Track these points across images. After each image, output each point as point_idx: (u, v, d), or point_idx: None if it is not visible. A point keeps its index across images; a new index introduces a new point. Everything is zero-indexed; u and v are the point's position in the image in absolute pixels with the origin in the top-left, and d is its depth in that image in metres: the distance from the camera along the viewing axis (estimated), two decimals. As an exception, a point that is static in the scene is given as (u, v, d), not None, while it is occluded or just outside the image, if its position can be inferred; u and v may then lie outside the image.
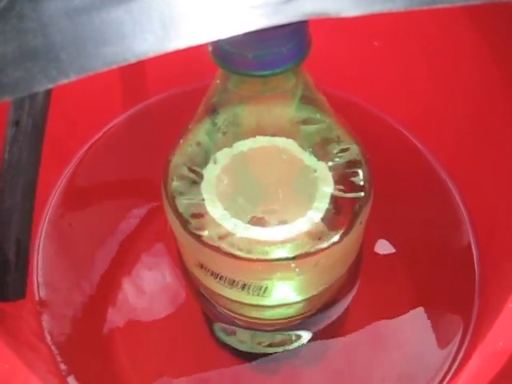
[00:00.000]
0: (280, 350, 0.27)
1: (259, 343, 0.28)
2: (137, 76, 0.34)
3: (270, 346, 0.28)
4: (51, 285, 0.28)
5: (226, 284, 0.23)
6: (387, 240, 0.30)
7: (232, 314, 0.27)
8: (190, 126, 0.21)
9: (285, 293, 0.24)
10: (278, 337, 0.28)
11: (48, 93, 0.21)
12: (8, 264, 0.21)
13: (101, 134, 0.33)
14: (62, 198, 0.31)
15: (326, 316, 0.27)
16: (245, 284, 0.23)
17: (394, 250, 0.30)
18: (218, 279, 0.23)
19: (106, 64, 0.15)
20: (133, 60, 0.15)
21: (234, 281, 0.23)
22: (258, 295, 0.23)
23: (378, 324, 0.28)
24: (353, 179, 0.22)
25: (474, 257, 0.30)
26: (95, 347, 0.27)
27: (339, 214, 0.22)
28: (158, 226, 0.30)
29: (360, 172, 0.22)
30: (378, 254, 0.30)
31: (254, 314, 0.25)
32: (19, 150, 0.21)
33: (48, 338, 0.26)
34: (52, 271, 0.29)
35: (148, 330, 0.28)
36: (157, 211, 0.30)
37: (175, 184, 0.23)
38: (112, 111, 0.34)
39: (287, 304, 0.25)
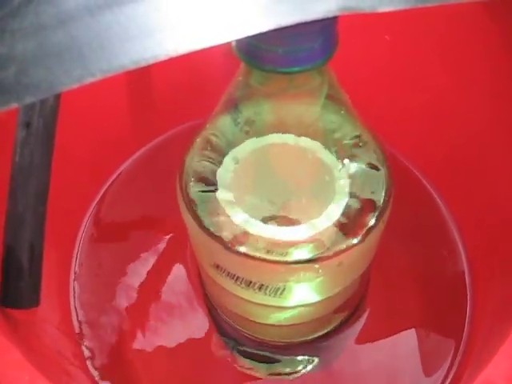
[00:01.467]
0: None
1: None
2: (152, 110, 0.35)
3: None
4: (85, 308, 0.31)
5: (243, 285, 0.23)
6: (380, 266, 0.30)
7: (245, 330, 0.27)
8: (207, 125, 0.21)
9: (303, 293, 0.23)
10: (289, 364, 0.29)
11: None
12: (21, 270, 0.20)
13: (121, 169, 0.35)
14: (90, 231, 0.33)
15: (335, 341, 0.28)
16: (262, 285, 0.22)
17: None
18: (233, 280, 0.23)
19: (134, 61, 0.14)
20: (163, 57, 0.14)
21: (251, 282, 0.22)
22: (274, 296, 0.23)
23: (373, 349, 0.29)
24: (374, 178, 0.22)
25: (467, 284, 0.31)
26: (120, 369, 0.29)
27: (361, 213, 0.21)
28: (178, 252, 0.32)
29: (381, 172, 0.22)
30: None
31: (269, 317, 0.25)
32: (30, 152, 0.20)
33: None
34: (86, 296, 0.31)
35: (171, 356, 0.30)
36: (179, 240, 0.32)
37: (191, 183, 0.22)
38: (130, 146, 0.35)
39: (304, 305, 0.24)
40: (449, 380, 0.28)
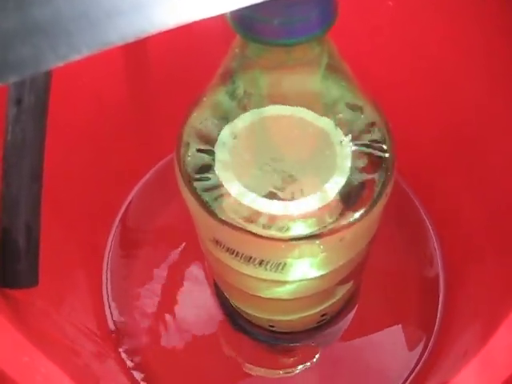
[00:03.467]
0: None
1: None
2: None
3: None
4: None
5: (242, 260, 0.22)
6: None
7: (249, 309, 0.27)
8: (204, 98, 0.20)
9: (305, 268, 0.23)
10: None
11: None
12: (18, 251, 0.20)
13: (143, 181, 0.38)
14: (118, 239, 0.36)
15: (335, 329, 0.33)
16: (262, 260, 0.22)
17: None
18: (233, 255, 0.22)
19: (122, 37, 0.13)
20: (152, 31, 0.13)
21: (251, 257, 0.22)
22: (275, 271, 0.22)
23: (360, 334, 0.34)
24: (376, 151, 0.21)
25: (441, 285, 0.34)
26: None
27: (363, 186, 0.21)
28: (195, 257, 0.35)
29: (383, 144, 0.21)
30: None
31: (271, 291, 0.25)
32: (22, 130, 0.19)
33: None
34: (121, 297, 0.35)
35: (186, 366, 0.33)
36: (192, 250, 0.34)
37: (188, 159, 0.21)
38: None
39: (306, 280, 0.24)
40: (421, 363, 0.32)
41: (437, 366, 0.29)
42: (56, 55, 0.14)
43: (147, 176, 0.37)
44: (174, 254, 0.35)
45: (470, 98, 0.29)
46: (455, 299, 0.33)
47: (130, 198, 0.37)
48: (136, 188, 0.37)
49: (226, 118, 0.20)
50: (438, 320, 0.33)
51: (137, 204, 0.37)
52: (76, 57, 0.14)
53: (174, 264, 0.35)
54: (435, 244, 0.35)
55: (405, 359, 0.33)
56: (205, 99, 0.20)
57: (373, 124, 0.21)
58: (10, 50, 0.14)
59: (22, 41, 0.14)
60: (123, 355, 0.32)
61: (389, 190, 0.21)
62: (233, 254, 0.22)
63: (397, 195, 0.23)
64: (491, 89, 0.28)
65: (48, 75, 0.20)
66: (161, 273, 0.35)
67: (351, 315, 0.33)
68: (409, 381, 0.32)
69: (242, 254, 0.22)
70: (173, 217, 0.37)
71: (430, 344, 0.33)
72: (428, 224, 0.36)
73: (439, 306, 0.34)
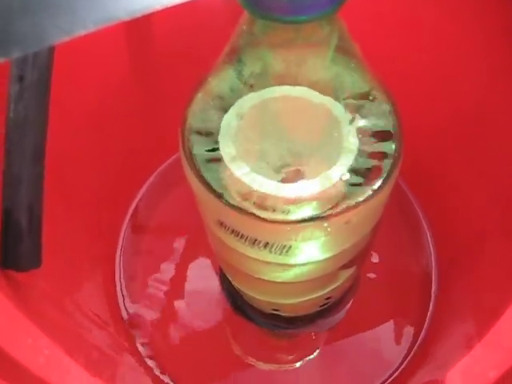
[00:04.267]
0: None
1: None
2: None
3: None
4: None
5: (247, 243, 0.22)
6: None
7: (253, 292, 0.27)
8: (209, 78, 0.20)
9: (310, 251, 0.23)
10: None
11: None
12: (21, 232, 0.19)
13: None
14: (130, 230, 0.37)
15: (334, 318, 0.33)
16: (267, 243, 0.22)
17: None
18: (238, 237, 0.22)
19: (128, 12, 0.13)
20: (158, 6, 0.13)
21: (256, 240, 0.22)
22: (280, 254, 0.22)
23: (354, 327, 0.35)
24: (384, 134, 0.21)
25: (433, 283, 0.35)
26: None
27: (369, 170, 0.20)
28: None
29: (391, 127, 0.21)
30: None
31: (275, 275, 0.25)
32: (25, 108, 0.19)
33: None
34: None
35: (191, 354, 0.34)
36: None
37: (193, 139, 0.21)
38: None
39: (311, 263, 0.24)
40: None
41: (431, 356, 0.30)
42: (59, 31, 0.13)
43: (162, 162, 0.38)
44: (182, 243, 0.36)
45: (470, 90, 0.29)
46: (448, 291, 0.33)
47: (141, 183, 0.37)
48: (150, 175, 0.37)
49: (232, 98, 0.20)
50: (430, 311, 0.34)
51: (149, 192, 0.38)
52: (81, 32, 0.13)
53: (183, 254, 0.36)
54: (428, 236, 0.36)
55: (399, 349, 0.34)
56: (210, 79, 0.20)
57: (381, 107, 0.21)
58: (13, 24, 0.13)
59: (23, 16, 0.13)
60: (131, 340, 0.33)
61: (396, 173, 0.21)
62: (238, 236, 0.22)
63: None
64: (492, 81, 0.27)
65: (51, 52, 0.19)
66: (169, 264, 0.36)
67: (350, 305, 0.34)
68: (402, 367, 0.33)
69: (247, 237, 0.22)
70: (183, 204, 0.36)
71: (421, 334, 0.34)
72: (421, 216, 0.37)
73: (432, 297, 0.35)
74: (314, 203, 0.20)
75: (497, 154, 0.28)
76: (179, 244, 0.36)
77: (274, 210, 0.20)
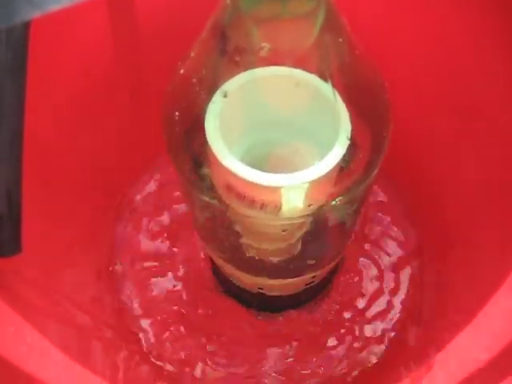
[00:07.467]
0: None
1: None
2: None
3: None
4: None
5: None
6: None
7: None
8: (191, 54, 0.19)
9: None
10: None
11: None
12: (0, 218, 0.19)
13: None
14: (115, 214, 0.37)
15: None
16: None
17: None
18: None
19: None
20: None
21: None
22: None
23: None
24: (372, 111, 0.20)
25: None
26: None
27: (359, 147, 0.20)
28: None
29: (380, 103, 0.20)
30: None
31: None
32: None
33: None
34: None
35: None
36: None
37: (177, 118, 0.20)
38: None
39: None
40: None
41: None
42: (32, 5, 0.12)
43: (148, 145, 0.36)
44: (171, 226, 0.36)
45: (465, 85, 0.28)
46: (439, 275, 0.33)
47: (127, 166, 0.36)
48: (138, 159, 0.36)
49: (216, 76, 0.19)
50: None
51: (134, 176, 0.37)
52: (54, 7, 0.13)
53: (172, 237, 0.36)
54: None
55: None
56: (192, 54, 0.19)
57: (370, 84, 0.20)
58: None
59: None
60: (119, 328, 0.32)
61: (384, 151, 0.20)
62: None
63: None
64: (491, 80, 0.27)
65: (25, 29, 0.18)
66: (156, 247, 0.36)
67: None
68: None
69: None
70: (170, 187, 0.36)
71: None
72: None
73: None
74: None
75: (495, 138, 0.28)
76: (168, 227, 0.36)
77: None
